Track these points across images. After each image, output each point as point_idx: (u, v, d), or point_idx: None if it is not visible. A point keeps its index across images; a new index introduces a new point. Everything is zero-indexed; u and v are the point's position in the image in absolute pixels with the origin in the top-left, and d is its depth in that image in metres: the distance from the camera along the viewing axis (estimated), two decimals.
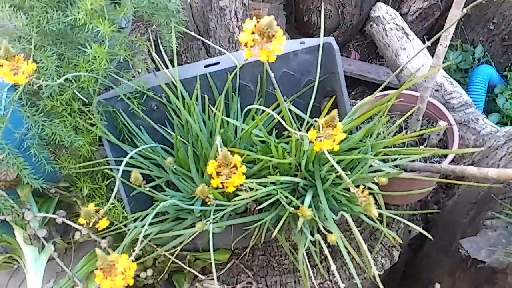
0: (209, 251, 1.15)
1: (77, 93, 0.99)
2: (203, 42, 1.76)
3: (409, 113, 1.01)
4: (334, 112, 0.67)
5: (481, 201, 1.25)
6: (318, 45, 1.03)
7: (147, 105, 1.08)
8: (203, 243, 1.12)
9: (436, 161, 1.11)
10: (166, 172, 1.06)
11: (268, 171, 0.95)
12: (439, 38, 0.94)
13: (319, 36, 1.03)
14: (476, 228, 1.22)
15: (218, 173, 0.67)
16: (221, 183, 0.66)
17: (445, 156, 1.12)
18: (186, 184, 1.02)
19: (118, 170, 1.01)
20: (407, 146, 1.16)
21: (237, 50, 1.75)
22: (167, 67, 1.07)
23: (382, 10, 1.59)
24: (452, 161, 1.12)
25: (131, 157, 0.98)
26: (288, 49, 1.04)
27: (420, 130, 1.16)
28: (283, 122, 0.80)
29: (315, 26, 2.15)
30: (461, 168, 0.92)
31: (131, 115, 1.07)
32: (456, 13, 0.95)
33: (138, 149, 0.99)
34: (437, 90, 1.46)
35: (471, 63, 1.94)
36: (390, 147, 1.04)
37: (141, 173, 1.03)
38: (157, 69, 1.14)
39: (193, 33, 1.20)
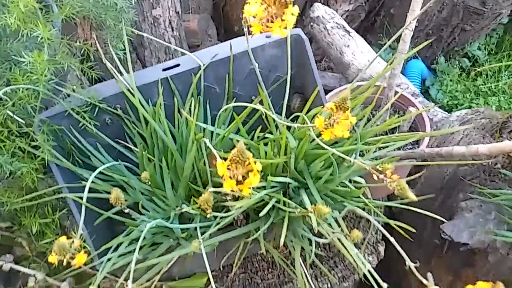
0: (186, 277, 1.02)
1: (10, 112, 0.82)
2: (137, 54, 1.63)
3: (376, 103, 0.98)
4: (347, 92, 0.60)
5: (448, 185, 1.26)
6: (285, 38, 0.96)
7: (99, 120, 0.93)
8: (180, 270, 0.98)
9: (410, 148, 1.09)
10: (130, 194, 0.92)
11: None
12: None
13: None
14: (447, 212, 1.22)
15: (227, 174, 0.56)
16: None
17: (416, 142, 1.11)
18: (159, 203, 0.89)
19: (73, 198, 0.85)
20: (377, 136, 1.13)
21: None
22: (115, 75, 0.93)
23: (320, 10, 1.59)
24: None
25: (85, 180, 0.83)
26: (254, 44, 0.96)
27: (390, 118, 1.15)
28: (277, 119, 0.71)
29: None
30: (447, 149, 0.90)
31: (81, 132, 0.92)
32: None
33: (98, 170, 0.84)
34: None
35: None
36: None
37: (101, 198, 0.88)
38: (102, 80, 1.00)
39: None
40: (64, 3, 0.83)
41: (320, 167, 0.82)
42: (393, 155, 0.98)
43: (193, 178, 0.90)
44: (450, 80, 1.92)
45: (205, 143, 0.87)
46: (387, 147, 0.92)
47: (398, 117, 1.20)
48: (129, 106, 0.93)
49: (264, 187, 0.81)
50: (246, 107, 0.89)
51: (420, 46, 0.90)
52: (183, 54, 1.00)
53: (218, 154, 0.72)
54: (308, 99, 1.05)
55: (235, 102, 1.01)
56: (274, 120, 0.89)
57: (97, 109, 0.92)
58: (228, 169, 0.56)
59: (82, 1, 0.84)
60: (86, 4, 0.84)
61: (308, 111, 0.89)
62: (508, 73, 1.95)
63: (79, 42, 0.89)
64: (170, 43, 1.65)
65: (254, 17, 0.51)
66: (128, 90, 0.91)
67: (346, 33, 1.56)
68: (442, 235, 1.11)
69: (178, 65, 0.96)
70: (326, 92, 1.71)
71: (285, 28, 0.52)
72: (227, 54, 0.95)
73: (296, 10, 0.51)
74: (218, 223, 0.77)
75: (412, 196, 0.57)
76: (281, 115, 0.95)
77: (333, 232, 0.75)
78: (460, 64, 1.98)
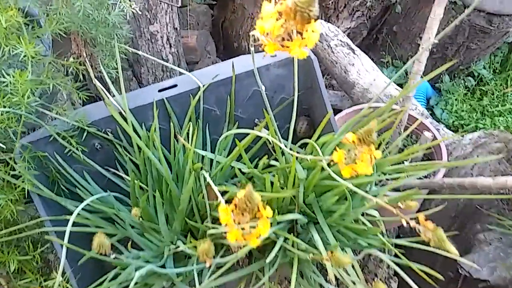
0: None
1: None
2: (133, 71, 1.53)
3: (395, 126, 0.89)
4: (373, 123, 0.51)
5: (462, 214, 1.17)
6: (292, 57, 0.87)
7: (88, 145, 0.84)
8: None
9: (425, 176, 1.00)
10: (122, 227, 0.81)
11: None
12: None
13: None
14: (462, 243, 1.12)
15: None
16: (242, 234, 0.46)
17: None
18: (152, 238, 0.78)
19: (57, 233, 0.75)
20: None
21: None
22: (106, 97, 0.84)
23: (324, 27, 1.51)
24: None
25: (71, 213, 0.73)
26: (258, 63, 0.87)
27: (404, 145, 1.06)
28: (285, 148, 0.62)
29: (246, 51, 2.03)
30: (471, 180, 0.81)
31: (68, 159, 0.82)
32: (439, 12, 0.86)
33: (84, 203, 0.74)
34: None
35: (404, 78, 1.93)
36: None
37: (88, 233, 0.78)
38: (96, 99, 0.91)
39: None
40: (50, 18, 0.74)
41: (332, 201, 0.73)
42: (410, 185, 0.89)
43: (190, 211, 0.80)
44: (455, 100, 1.84)
45: (204, 172, 0.77)
46: (401, 175, 0.83)
47: (411, 140, 1.11)
48: (121, 130, 0.84)
49: (270, 224, 0.71)
50: (248, 133, 0.80)
51: (439, 70, 0.81)
52: (181, 73, 0.91)
53: (219, 188, 0.63)
54: (314, 122, 0.96)
55: (237, 125, 0.91)
56: (280, 147, 0.80)
57: (85, 133, 0.82)
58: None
59: (70, 16, 0.75)
60: (75, 19, 0.75)
61: (318, 137, 0.80)
62: None
63: (70, 59, 0.80)
64: (167, 60, 1.56)
65: (268, 34, 0.42)
66: (120, 112, 0.81)
67: (350, 51, 1.47)
68: (459, 271, 1.01)
69: (175, 85, 0.86)
70: None
71: (305, 46, 0.43)
72: (228, 74, 0.86)
73: (318, 26, 0.42)
74: (218, 267, 0.67)
75: (453, 250, 0.47)
76: (286, 139, 0.86)
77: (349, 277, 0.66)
78: (465, 83, 1.90)
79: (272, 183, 0.72)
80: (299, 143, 0.86)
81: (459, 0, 1.68)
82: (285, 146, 0.86)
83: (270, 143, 0.83)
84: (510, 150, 1.19)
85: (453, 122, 1.79)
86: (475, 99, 1.87)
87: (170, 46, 1.55)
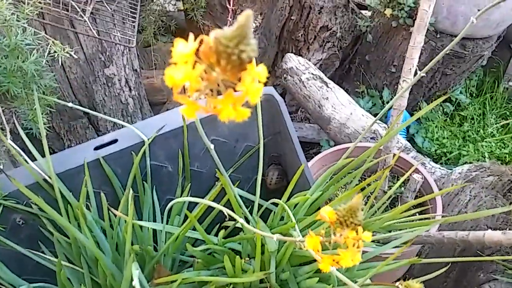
0: None
1: None
2: (89, 119, 1.36)
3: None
4: (358, 198, 0.34)
5: (461, 257, 1.00)
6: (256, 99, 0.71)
7: (7, 221, 0.65)
8: None
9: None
10: None
11: None
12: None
13: None
14: None
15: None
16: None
17: (420, 208, 0.86)
18: None
19: None
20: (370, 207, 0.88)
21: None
22: (33, 159, 0.66)
23: (293, 61, 1.37)
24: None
25: None
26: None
27: (390, 187, 0.90)
28: (248, 226, 0.45)
29: None
30: (476, 234, 0.65)
31: None
32: (419, 39, 0.72)
33: None
34: (372, 138, 1.24)
35: (381, 107, 1.80)
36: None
37: None
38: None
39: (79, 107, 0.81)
40: None
41: (314, 281, 0.55)
42: (404, 240, 0.72)
43: None
44: (436, 127, 1.71)
45: (150, 251, 0.59)
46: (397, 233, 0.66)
47: (396, 182, 0.96)
48: (47, 201, 0.65)
49: None
50: (208, 189, 0.63)
51: (430, 106, 0.66)
52: (132, 125, 0.74)
53: (168, 278, 0.45)
54: (287, 171, 0.80)
55: (195, 181, 0.74)
56: (243, 211, 0.62)
57: (1, 207, 0.64)
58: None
59: None
60: None
61: (290, 195, 0.63)
62: (493, 115, 1.76)
63: None
64: (127, 104, 1.39)
65: (185, 89, 0.26)
66: (45, 180, 0.63)
67: (323, 85, 1.33)
68: None
69: (115, 140, 0.69)
70: (305, 145, 1.45)
71: (246, 104, 0.26)
72: (178, 124, 0.69)
73: (262, 71, 0.26)
74: None
75: None
76: (254, 193, 0.69)
77: None
78: (444, 109, 1.78)
79: (236, 263, 0.54)
80: (270, 201, 0.69)
81: (430, 26, 1.57)
82: (252, 202, 0.69)
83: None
84: (505, 183, 1.04)
85: (435, 150, 1.65)
86: (455, 125, 1.74)
87: (130, 89, 1.38)
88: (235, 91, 0.26)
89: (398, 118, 0.74)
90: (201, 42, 0.26)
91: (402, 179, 0.73)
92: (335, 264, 0.36)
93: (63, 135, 1.31)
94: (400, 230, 0.65)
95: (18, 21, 0.61)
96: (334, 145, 1.57)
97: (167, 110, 1.82)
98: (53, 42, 0.74)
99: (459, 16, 1.51)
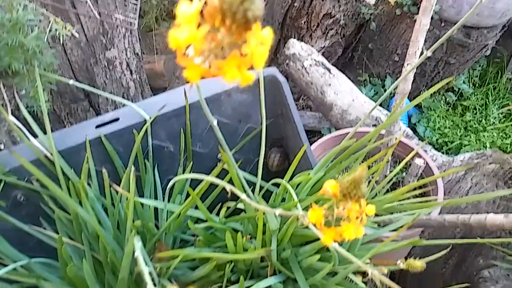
0: None
1: None
2: (90, 102, 1.36)
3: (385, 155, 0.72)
4: (362, 169, 0.34)
5: (460, 245, 1.01)
6: (258, 80, 0.71)
7: (8, 197, 0.65)
8: None
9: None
10: None
11: (221, 272, 0.58)
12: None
13: None
14: (463, 279, 0.96)
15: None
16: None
17: (423, 193, 0.86)
18: None
19: None
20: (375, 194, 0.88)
21: None
22: (35, 136, 0.66)
23: (296, 47, 1.36)
24: None
25: None
26: (217, 89, 0.70)
27: (391, 171, 0.89)
28: (250, 200, 0.45)
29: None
30: (478, 218, 0.64)
31: None
32: (425, 22, 0.72)
33: None
34: (374, 125, 1.24)
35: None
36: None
37: None
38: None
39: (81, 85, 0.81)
40: None
41: (315, 258, 0.55)
42: (403, 222, 0.72)
43: (138, 277, 0.61)
44: (437, 116, 1.70)
45: (152, 228, 0.59)
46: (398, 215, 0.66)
47: (398, 168, 0.95)
48: (48, 177, 0.65)
49: None
50: (209, 170, 0.63)
51: (430, 91, 0.66)
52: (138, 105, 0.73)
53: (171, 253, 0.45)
54: (288, 154, 0.79)
55: (196, 162, 0.74)
56: (245, 190, 0.62)
57: (2, 183, 0.64)
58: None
59: None
60: None
61: (292, 175, 0.63)
62: (495, 106, 1.75)
63: None
64: (129, 87, 1.39)
65: (187, 52, 0.26)
66: (46, 156, 0.63)
67: (326, 71, 1.33)
68: None
69: (117, 119, 0.69)
70: (306, 133, 1.45)
71: (251, 68, 0.26)
72: (181, 103, 0.69)
73: (267, 35, 0.26)
74: None
75: None
76: (256, 175, 0.69)
77: None
78: (446, 99, 1.77)
79: (237, 240, 0.55)
80: (272, 181, 0.69)
81: (435, 14, 1.56)
82: (253, 184, 0.68)
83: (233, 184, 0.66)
84: (506, 171, 1.04)
85: (437, 140, 1.65)
86: (457, 115, 1.74)
87: (131, 73, 1.38)
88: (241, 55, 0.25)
89: (401, 102, 0.73)
90: (205, 2, 0.26)
91: (403, 163, 0.73)
92: (338, 238, 0.36)
93: (63, 117, 1.30)
94: (401, 212, 0.65)
95: None
96: None
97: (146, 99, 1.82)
98: (54, 20, 0.73)
99: (464, 5, 1.50)
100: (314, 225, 0.45)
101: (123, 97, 1.37)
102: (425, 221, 0.70)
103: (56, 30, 0.72)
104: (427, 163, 0.83)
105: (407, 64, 0.74)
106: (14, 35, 0.60)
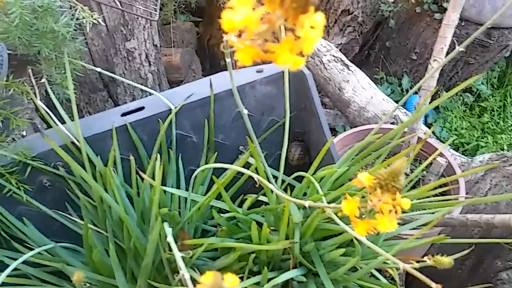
0: None
1: None
2: (109, 92, 1.37)
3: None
4: (401, 163, 0.34)
5: (478, 246, 1.00)
6: (282, 72, 0.71)
7: (34, 182, 0.66)
8: None
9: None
10: (72, 284, 0.63)
11: (243, 263, 0.58)
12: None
13: None
14: (481, 281, 0.95)
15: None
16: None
17: (443, 192, 0.85)
18: None
19: None
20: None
21: None
22: (63, 122, 0.67)
23: None
24: None
25: (14, 269, 0.55)
26: (241, 81, 0.71)
27: (411, 170, 0.89)
28: (277, 190, 0.45)
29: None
30: (502, 218, 0.64)
31: (7, 200, 0.64)
32: (454, 17, 0.71)
33: (22, 258, 0.56)
34: (393, 123, 1.23)
35: (400, 95, 1.78)
36: None
37: None
38: (48, 126, 0.73)
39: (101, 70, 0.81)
40: None
41: (338, 253, 0.55)
42: (424, 220, 0.72)
43: (160, 264, 0.62)
44: (455, 117, 1.69)
45: (176, 216, 0.60)
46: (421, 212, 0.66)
47: (417, 165, 0.95)
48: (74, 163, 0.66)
49: (258, 284, 0.54)
50: (231, 161, 0.63)
51: (450, 93, 0.65)
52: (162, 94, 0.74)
53: (194, 241, 0.45)
54: (309, 148, 0.79)
55: (218, 153, 0.74)
56: (270, 182, 0.62)
57: (29, 168, 0.64)
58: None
59: (4, 24, 0.59)
60: (11, 29, 0.59)
61: (316, 169, 0.63)
62: None
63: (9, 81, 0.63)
64: (147, 79, 1.39)
65: (241, 34, 0.26)
66: (72, 143, 0.64)
67: (345, 67, 1.32)
68: None
69: (142, 108, 0.69)
70: None
71: (300, 54, 0.26)
72: (206, 94, 0.69)
73: (319, 19, 0.26)
74: None
75: None
76: (277, 169, 0.69)
77: None
78: (464, 100, 1.75)
79: (262, 232, 0.55)
80: (293, 175, 0.69)
81: None
82: (276, 178, 0.69)
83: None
84: None
85: (453, 141, 1.63)
86: (475, 116, 1.72)
87: (150, 64, 1.38)
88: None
89: (426, 99, 0.73)
90: None
91: (426, 162, 0.73)
92: (371, 230, 0.36)
93: (82, 107, 1.32)
94: (423, 210, 0.65)
95: None
96: None
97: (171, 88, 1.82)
98: (81, 8, 0.74)
99: (486, 4, 1.48)
100: (341, 218, 0.46)
101: (141, 89, 1.38)
102: (447, 220, 0.69)
103: (83, 17, 0.72)
104: (449, 162, 0.83)
105: (434, 60, 0.73)
106: (45, 20, 0.60)
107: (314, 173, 0.63)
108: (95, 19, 0.74)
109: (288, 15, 0.24)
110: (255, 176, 0.48)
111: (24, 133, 0.88)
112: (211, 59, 1.97)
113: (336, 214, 0.47)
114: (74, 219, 0.65)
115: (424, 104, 0.74)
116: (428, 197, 0.73)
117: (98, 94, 1.33)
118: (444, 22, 0.71)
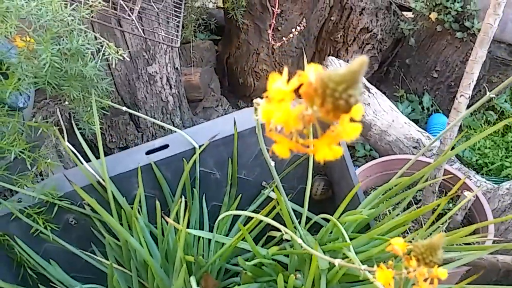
0: None
1: None
2: (130, 115, 1.38)
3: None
4: (439, 237, 0.33)
5: (506, 280, 0.97)
6: None
7: (60, 221, 0.67)
8: None
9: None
10: None
11: None
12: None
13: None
14: None
15: None
16: None
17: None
18: None
19: None
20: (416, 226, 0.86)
21: (178, 127, 1.38)
22: (88, 160, 0.67)
23: (334, 64, 1.35)
24: None
25: None
26: None
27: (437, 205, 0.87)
28: (304, 244, 0.44)
29: (252, 87, 1.88)
30: None
31: (34, 240, 0.65)
32: (481, 54, 0.69)
33: None
34: (415, 147, 1.21)
35: (420, 113, 1.76)
36: None
37: None
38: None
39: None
40: (10, 74, 0.59)
41: None
42: (458, 263, 0.70)
43: None
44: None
45: (201, 261, 0.59)
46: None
47: (442, 196, 0.93)
48: (99, 202, 0.66)
49: None
50: (254, 197, 0.63)
51: (475, 106, 0.63)
52: (177, 126, 0.74)
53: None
54: (332, 182, 0.79)
55: (240, 189, 0.74)
56: (293, 222, 0.62)
57: (56, 207, 0.65)
58: None
59: (36, 68, 0.60)
60: (40, 73, 0.59)
61: (342, 212, 0.62)
62: None
63: (36, 120, 0.64)
64: (168, 101, 1.41)
65: (277, 126, 0.25)
66: (98, 182, 0.65)
67: (365, 90, 1.31)
68: None
69: (166, 146, 0.70)
70: None
71: (338, 144, 0.26)
72: (229, 132, 0.69)
73: (359, 109, 0.25)
74: None
75: None
76: (300, 204, 0.68)
77: None
78: (487, 118, 1.72)
79: (289, 281, 0.54)
80: (320, 216, 0.68)
81: (478, 32, 1.52)
82: (301, 215, 0.68)
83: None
84: None
85: (476, 160, 1.60)
86: (499, 135, 1.68)
87: (171, 87, 1.40)
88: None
89: (456, 139, 0.71)
90: (299, 79, 0.25)
91: (449, 194, 0.71)
92: None
93: (104, 130, 1.33)
94: (451, 251, 0.63)
95: (79, 24, 0.62)
96: (370, 150, 1.54)
97: (203, 108, 1.83)
98: (107, 44, 0.75)
99: (509, 23, 1.45)
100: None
101: (162, 111, 1.39)
102: (477, 261, 0.67)
103: (109, 54, 0.73)
104: (476, 196, 0.81)
105: (460, 96, 0.72)
106: (73, 64, 0.61)
107: (340, 216, 0.62)
108: (120, 54, 0.75)
109: (328, 116, 0.24)
110: (282, 228, 0.47)
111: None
112: (230, 77, 1.98)
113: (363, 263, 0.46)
114: (99, 258, 0.65)
115: (450, 139, 0.73)
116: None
117: (120, 117, 1.35)
118: (471, 58, 0.70)
